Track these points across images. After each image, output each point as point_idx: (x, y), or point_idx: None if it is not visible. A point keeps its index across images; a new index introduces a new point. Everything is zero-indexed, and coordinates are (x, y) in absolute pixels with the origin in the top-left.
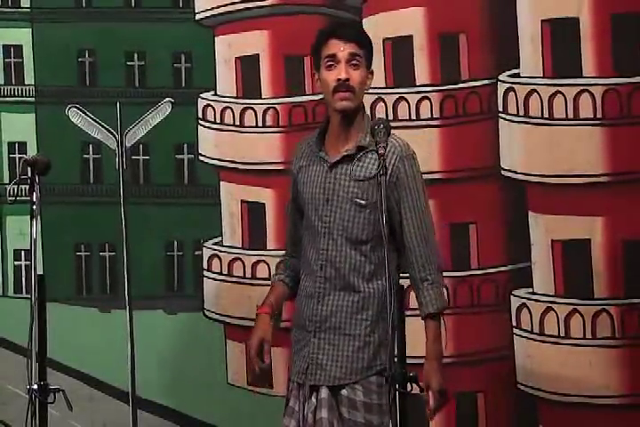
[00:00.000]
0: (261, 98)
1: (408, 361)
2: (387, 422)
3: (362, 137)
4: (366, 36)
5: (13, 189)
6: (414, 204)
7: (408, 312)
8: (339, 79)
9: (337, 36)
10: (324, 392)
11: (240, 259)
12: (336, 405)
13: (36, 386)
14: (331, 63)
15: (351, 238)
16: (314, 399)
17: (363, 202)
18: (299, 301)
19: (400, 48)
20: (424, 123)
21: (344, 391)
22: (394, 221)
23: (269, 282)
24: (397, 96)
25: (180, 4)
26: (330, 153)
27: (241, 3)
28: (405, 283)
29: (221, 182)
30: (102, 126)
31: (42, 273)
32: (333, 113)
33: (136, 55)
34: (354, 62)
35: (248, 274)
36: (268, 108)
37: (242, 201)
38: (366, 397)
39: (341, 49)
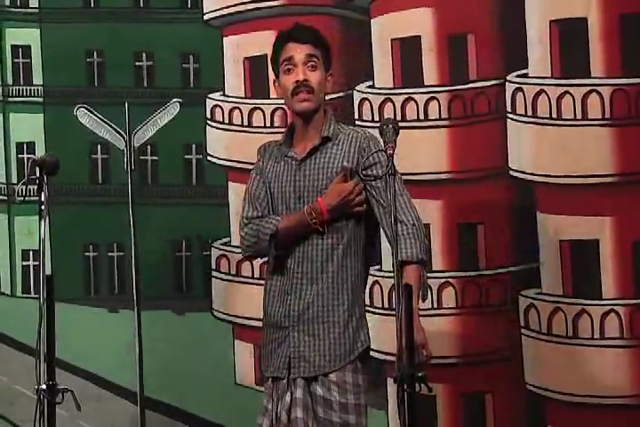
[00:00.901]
0: (270, 98)
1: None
2: (365, 423)
3: (325, 128)
4: (323, 39)
5: (22, 189)
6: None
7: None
8: (297, 81)
9: (293, 39)
10: (298, 392)
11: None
12: (311, 404)
13: (44, 386)
14: (289, 67)
15: (325, 230)
16: (287, 399)
17: None
18: (268, 301)
19: (408, 48)
20: (432, 123)
21: (319, 391)
22: (371, 205)
23: None
24: (406, 96)
25: (189, 5)
26: (297, 152)
27: (249, 3)
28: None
29: (229, 182)
30: (110, 127)
31: (50, 273)
32: (295, 116)
33: (144, 55)
34: (311, 64)
35: (256, 274)
36: (277, 109)
37: None
38: (342, 397)
39: (298, 51)
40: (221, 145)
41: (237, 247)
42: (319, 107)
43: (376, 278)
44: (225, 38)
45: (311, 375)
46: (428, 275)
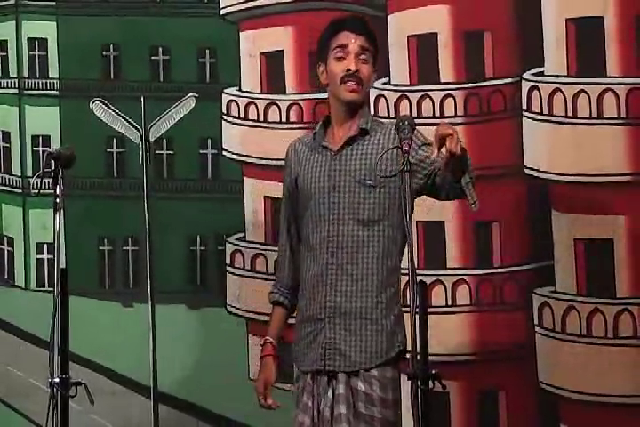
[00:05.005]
0: (285, 94)
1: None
2: (400, 418)
3: (363, 121)
4: (374, 32)
5: (37, 182)
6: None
7: (430, 309)
8: (348, 70)
9: (348, 28)
10: (341, 388)
11: (262, 254)
12: (352, 399)
13: (57, 379)
14: (340, 54)
15: (363, 220)
16: (330, 395)
17: (371, 182)
18: (304, 294)
19: (425, 45)
20: (448, 120)
21: (360, 386)
22: (423, 175)
23: None
24: (422, 93)
25: None
26: (333, 143)
27: None
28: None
29: (245, 178)
30: (126, 120)
31: (64, 267)
32: (337, 104)
33: (161, 50)
34: (363, 57)
35: (271, 269)
36: (292, 104)
37: (265, 197)
38: (382, 392)
39: (352, 41)
40: (237, 140)
41: (252, 242)
42: (364, 100)
43: None
44: (241, 33)
45: (347, 370)
46: (442, 273)
